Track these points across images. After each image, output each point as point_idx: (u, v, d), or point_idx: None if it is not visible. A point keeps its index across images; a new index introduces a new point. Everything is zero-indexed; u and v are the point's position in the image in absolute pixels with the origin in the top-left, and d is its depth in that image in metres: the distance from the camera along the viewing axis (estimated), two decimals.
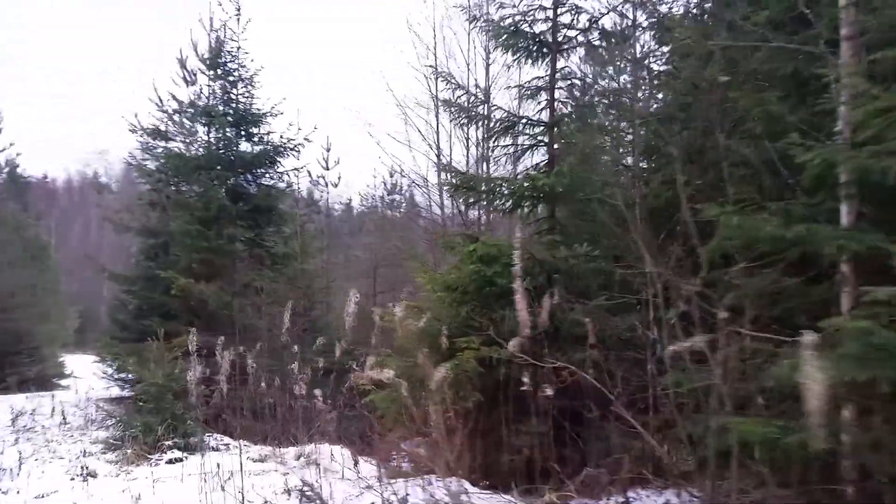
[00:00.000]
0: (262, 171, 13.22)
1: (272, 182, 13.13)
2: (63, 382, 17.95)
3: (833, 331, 2.73)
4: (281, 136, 13.05)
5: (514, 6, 6.17)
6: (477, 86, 10.05)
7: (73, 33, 56.45)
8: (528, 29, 6.42)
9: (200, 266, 12.16)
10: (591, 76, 6.27)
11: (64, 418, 8.28)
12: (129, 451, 6.14)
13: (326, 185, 15.93)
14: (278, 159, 13.21)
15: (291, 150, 13.22)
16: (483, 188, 6.58)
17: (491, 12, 6.36)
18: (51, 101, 52.01)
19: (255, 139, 13.21)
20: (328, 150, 15.78)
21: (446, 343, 4.98)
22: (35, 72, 52.37)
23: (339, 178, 16.59)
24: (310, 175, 15.72)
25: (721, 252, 3.41)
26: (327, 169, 15.94)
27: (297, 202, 13.21)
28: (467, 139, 12.14)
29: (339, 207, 22.34)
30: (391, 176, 15.46)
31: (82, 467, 5.69)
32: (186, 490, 5.26)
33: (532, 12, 6.40)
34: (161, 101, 13.38)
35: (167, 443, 6.36)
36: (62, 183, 40.09)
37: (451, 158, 12.31)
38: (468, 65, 10.40)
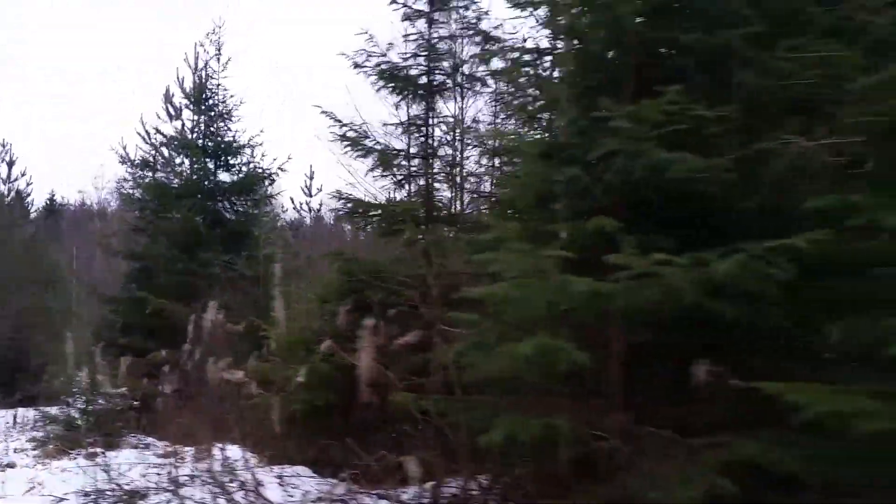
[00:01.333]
0: (239, 198, 14.42)
1: (247, 209, 14.29)
2: (71, 399, 19.17)
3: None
4: (255, 167, 14.25)
5: (382, 55, 7.08)
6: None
7: (73, 33, 59.15)
8: (405, 73, 7.35)
9: (179, 288, 13.31)
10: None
11: (15, 422, 9.42)
12: (50, 447, 7.17)
13: (309, 210, 17.01)
14: (254, 187, 14.41)
15: (266, 178, 14.46)
16: (372, 213, 7.50)
17: (371, 60, 7.22)
18: (51, 101, 54.57)
19: (234, 169, 14.47)
20: (311, 178, 16.90)
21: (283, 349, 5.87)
22: (35, 72, 55.03)
23: (321, 205, 17.71)
24: (292, 202, 16.85)
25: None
26: (310, 196, 17.05)
27: (261, 226, 14.30)
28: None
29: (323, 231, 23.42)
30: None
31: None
32: (83, 479, 6.24)
33: (408, 59, 7.34)
34: (148, 134, 14.78)
35: (89, 440, 7.38)
36: (96, 208, 42.35)
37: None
38: None
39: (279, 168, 14.46)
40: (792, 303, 2.97)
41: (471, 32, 6.66)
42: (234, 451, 5.62)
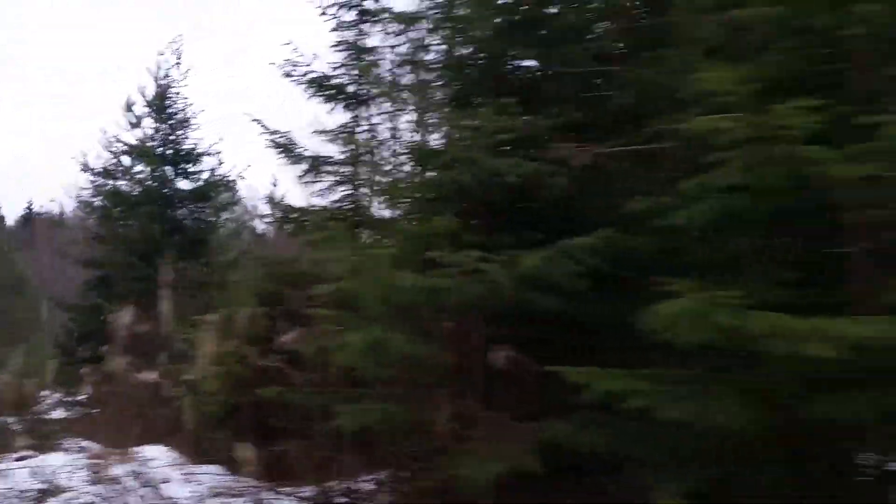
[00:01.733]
0: (198, 205, 14.65)
1: (205, 216, 14.53)
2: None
3: None
4: (214, 175, 14.50)
5: (307, 65, 7.37)
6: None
7: (73, 33, 59.27)
8: (334, 82, 7.63)
9: (137, 296, 13.49)
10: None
11: None
12: None
13: (273, 217, 17.18)
14: (213, 195, 14.66)
15: (225, 186, 14.73)
16: (301, 219, 7.77)
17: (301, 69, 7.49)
18: (51, 101, 54.62)
19: (193, 177, 14.70)
20: (275, 185, 17.07)
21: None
22: (35, 72, 55.14)
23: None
24: (255, 208, 17.03)
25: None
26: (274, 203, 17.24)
27: (218, 233, 14.53)
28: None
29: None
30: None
31: None
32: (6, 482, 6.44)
33: (338, 68, 7.62)
34: (109, 142, 14.98)
35: (21, 443, 7.55)
36: (70, 215, 42.47)
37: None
38: None
39: (238, 175, 14.70)
40: (606, 295, 3.26)
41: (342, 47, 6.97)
42: (148, 452, 5.85)
